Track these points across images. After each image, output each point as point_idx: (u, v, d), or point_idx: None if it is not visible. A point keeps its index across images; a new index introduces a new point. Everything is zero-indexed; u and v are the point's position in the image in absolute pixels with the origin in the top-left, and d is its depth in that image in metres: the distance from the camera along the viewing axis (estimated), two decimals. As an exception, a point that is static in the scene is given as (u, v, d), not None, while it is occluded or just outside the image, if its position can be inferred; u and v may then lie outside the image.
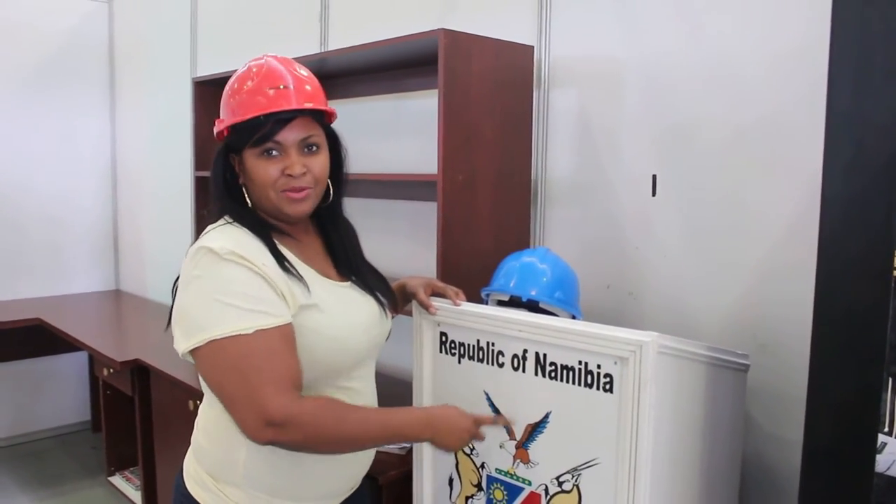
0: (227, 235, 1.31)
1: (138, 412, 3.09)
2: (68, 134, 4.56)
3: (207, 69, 3.52)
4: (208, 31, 3.90)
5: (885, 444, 1.65)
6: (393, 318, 1.67)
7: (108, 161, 4.77)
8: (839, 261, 1.18)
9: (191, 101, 3.13)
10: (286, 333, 1.27)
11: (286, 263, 1.33)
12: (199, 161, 3.07)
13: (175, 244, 4.12)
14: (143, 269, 4.57)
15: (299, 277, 1.33)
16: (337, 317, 1.37)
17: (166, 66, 4.22)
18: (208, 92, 3.02)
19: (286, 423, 1.21)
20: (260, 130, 1.32)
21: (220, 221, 1.37)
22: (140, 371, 3.04)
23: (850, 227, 1.16)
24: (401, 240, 2.77)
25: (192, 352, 1.26)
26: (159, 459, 3.09)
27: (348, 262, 1.50)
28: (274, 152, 1.34)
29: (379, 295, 1.50)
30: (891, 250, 1.14)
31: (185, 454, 1.51)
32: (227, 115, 1.38)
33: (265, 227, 1.37)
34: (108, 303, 4.48)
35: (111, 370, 3.19)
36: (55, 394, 4.54)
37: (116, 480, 3.60)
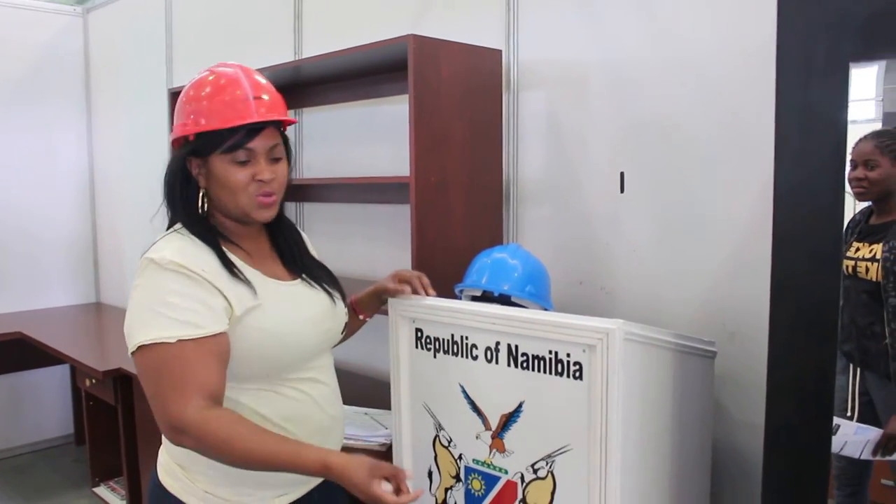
0: (171, 245, 1.38)
1: (121, 421, 3.11)
2: (45, 148, 4.56)
3: (183, 79, 3.52)
4: (183, 41, 3.93)
5: (838, 427, 1.71)
6: (366, 320, 1.77)
7: (85, 174, 4.77)
8: (792, 245, 1.24)
9: (168, 111, 3.15)
10: (210, 345, 1.33)
11: (234, 269, 1.40)
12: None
13: (155, 255, 4.13)
14: (123, 281, 4.56)
15: (246, 281, 1.40)
16: (284, 315, 1.44)
17: (142, 77, 4.23)
18: (184, 102, 3.05)
19: (182, 429, 1.28)
20: (231, 138, 1.38)
21: (171, 231, 1.43)
22: (122, 380, 3.06)
23: (801, 212, 1.22)
24: (378, 243, 2.82)
25: (132, 355, 1.34)
26: (143, 468, 3.10)
27: (295, 259, 1.57)
28: (244, 159, 1.40)
29: (328, 287, 1.57)
30: (839, 233, 1.21)
31: None
32: (195, 121, 1.40)
33: (214, 234, 1.43)
34: (88, 315, 4.48)
35: (93, 380, 3.21)
36: (37, 408, 4.53)
37: (101, 491, 3.61)
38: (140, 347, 1.30)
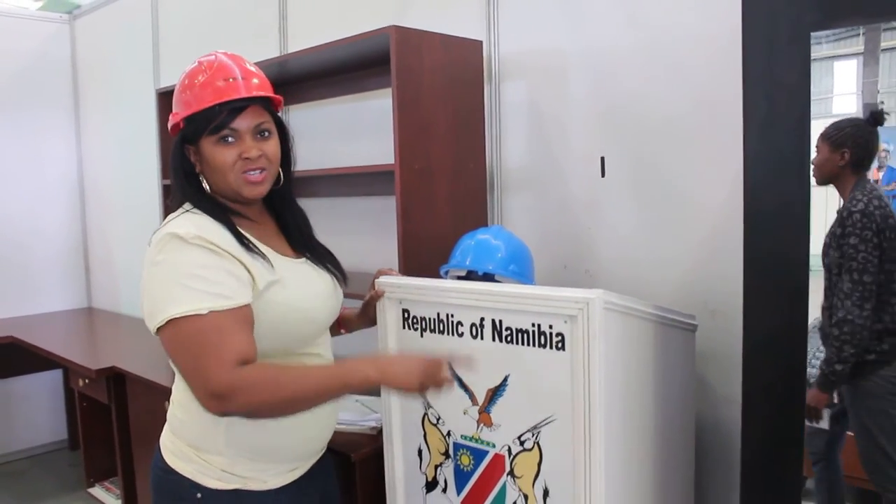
0: (191, 221, 1.40)
1: (115, 419, 3.13)
2: (34, 154, 4.58)
3: (171, 81, 3.56)
4: (170, 43, 3.97)
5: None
6: (342, 333, 1.82)
7: (75, 179, 4.79)
8: (762, 211, 1.29)
9: (156, 112, 3.18)
10: (239, 315, 1.35)
11: (248, 244, 1.43)
12: (167, 170, 3.12)
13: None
14: (115, 285, 4.59)
15: (262, 255, 1.43)
16: (300, 290, 1.48)
17: (130, 81, 4.27)
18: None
19: (228, 394, 1.28)
20: (215, 119, 1.42)
21: (180, 210, 1.46)
22: (116, 379, 3.08)
23: (769, 178, 1.27)
24: (365, 236, 2.85)
25: (158, 331, 1.35)
26: (138, 465, 3.12)
27: (301, 240, 1.60)
28: (230, 139, 1.44)
29: (330, 267, 1.61)
30: (806, 198, 1.25)
31: None
32: (182, 108, 1.47)
33: (225, 211, 1.46)
34: (81, 319, 4.50)
35: (86, 380, 3.23)
36: (30, 414, 4.54)
37: (96, 491, 3.62)
38: (170, 321, 1.31)
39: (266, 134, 1.48)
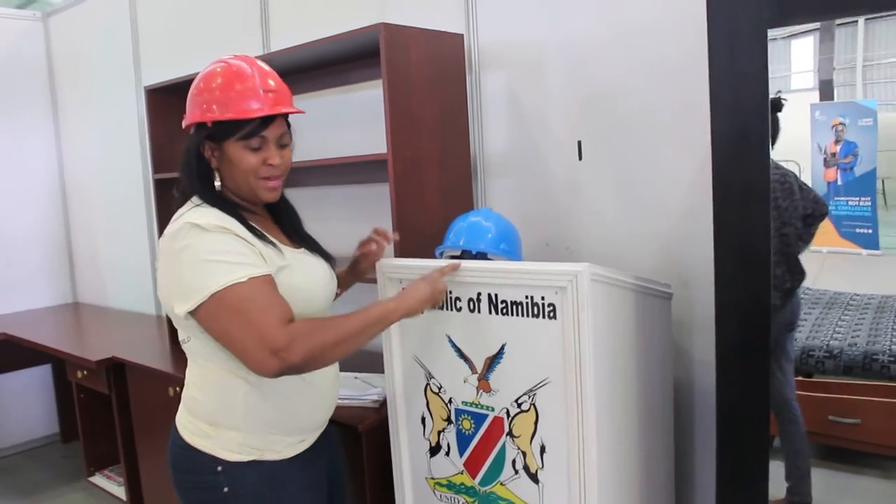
0: (207, 213, 1.53)
1: (116, 409, 3.22)
2: (13, 153, 4.61)
3: (153, 77, 3.62)
4: (150, 39, 4.01)
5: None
6: (341, 293, 1.96)
7: (56, 176, 4.83)
8: (729, 187, 1.45)
9: (145, 109, 3.22)
10: (271, 281, 1.50)
11: (259, 233, 1.57)
12: (158, 164, 3.21)
13: (132, 250, 4.25)
14: (101, 280, 4.65)
15: (272, 243, 1.57)
16: (306, 275, 1.62)
17: (109, 77, 4.31)
18: (160, 99, 3.16)
19: (288, 345, 1.42)
20: (247, 127, 1.54)
21: (189, 205, 1.58)
22: (115, 368, 3.17)
23: (735, 158, 1.43)
24: (356, 222, 2.95)
25: (195, 311, 1.47)
26: (141, 452, 3.21)
27: (296, 232, 1.75)
28: (257, 146, 1.57)
29: (325, 255, 1.77)
30: (767, 175, 1.41)
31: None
32: (212, 110, 1.54)
33: (234, 206, 1.59)
34: (69, 314, 4.56)
35: (85, 372, 3.31)
36: (20, 409, 4.60)
37: (98, 479, 3.70)
38: (213, 296, 1.43)
39: (285, 144, 1.62)
